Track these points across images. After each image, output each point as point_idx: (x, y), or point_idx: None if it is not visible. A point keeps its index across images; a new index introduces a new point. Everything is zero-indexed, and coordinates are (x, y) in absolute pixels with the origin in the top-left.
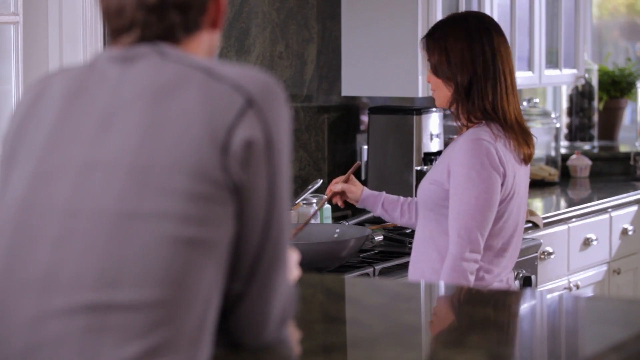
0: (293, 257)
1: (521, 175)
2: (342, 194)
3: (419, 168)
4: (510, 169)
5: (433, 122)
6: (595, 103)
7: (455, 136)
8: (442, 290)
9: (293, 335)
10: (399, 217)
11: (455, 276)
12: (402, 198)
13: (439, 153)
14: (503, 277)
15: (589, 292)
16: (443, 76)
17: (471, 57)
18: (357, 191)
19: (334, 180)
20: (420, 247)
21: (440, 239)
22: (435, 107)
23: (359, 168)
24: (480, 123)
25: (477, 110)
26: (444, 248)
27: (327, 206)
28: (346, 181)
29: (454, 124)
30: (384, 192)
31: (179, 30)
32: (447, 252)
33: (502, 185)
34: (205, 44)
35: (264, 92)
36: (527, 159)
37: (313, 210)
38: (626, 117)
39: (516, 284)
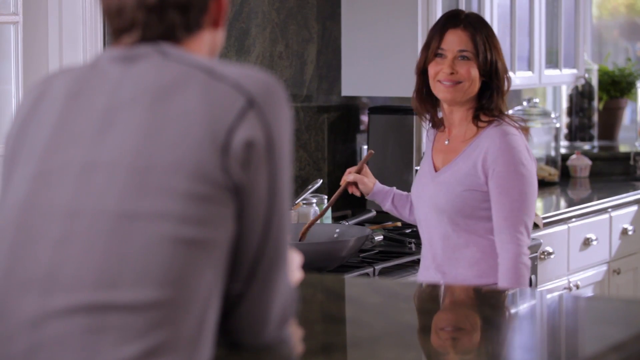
0: (295, 259)
1: None
2: (355, 184)
3: (418, 168)
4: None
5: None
6: (595, 103)
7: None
8: (442, 290)
9: (293, 335)
10: (408, 214)
11: (517, 276)
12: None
13: None
14: None
15: (588, 292)
16: (484, 70)
17: (498, 55)
18: (369, 183)
19: (348, 170)
20: (456, 254)
21: (475, 243)
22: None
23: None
24: (495, 119)
25: (500, 104)
26: (477, 252)
27: None
28: (359, 171)
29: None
30: (394, 188)
31: (180, 30)
32: (482, 255)
33: None
34: (207, 43)
35: (265, 92)
36: None
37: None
38: (626, 117)
39: None
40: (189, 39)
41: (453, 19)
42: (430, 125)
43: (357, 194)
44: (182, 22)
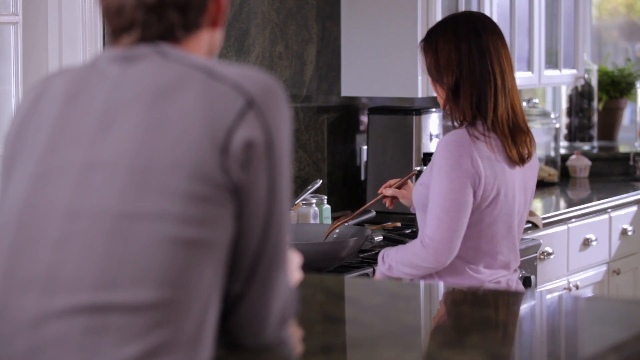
0: (295, 260)
1: (512, 177)
2: (392, 197)
3: (418, 168)
4: (490, 171)
5: (432, 123)
6: (595, 103)
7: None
8: (442, 290)
9: (293, 335)
10: None
11: (396, 272)
12: None
13: None
14: (500, 279)
15: (588, 293)
16: (435, 78)
17: (457, 58)
18: (409, 196)
19: (387, 183)
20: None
21: None
22: (434, 107)
23: (413, 176)
24: (465, 124)
25: (463, 110)
26: None
27: (327, 206)
28: (400, 187)
29: (450, 124)
30: None
31: (179, 30)
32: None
33: (478, 187)
34: (206, 43)
35: (264, 92)
36: (518, 160)
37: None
38: (626, 118)
39: (520, 286)
40: (187, 38)
41: (427, 32)
42: None
43: (390, 206)
44: (181, 21)
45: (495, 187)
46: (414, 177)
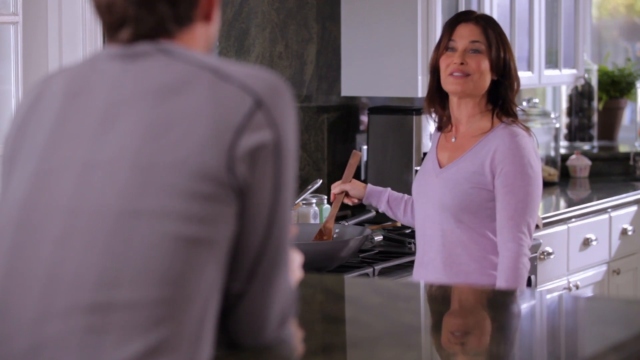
0: (296, 259)
1: None
2: (345, 193)
3: (418, 168)
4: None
5: (432, 122)
6: (595, 103)
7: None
8: (442, 290)
9: (294, 335)
10: (402, 215)
11: (515, 275)
12: (406, 196)
13: None
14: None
15: (588, 292)
16: (496, 66)
17: (510, 54)
18: (359, 188)
19: (333, 185)
20: (457, 251)
21: (477, 241)
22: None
23: (360, 160)
24: (505, 119)
25: (511, 104)
26: (479, 250)
27: (327, 206)
28: (346, 181)
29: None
30: (388, 189)
31: (171, 24)
32: (483, 253)
33: None
34: (201, 38)
35: (272, 93)
36: None
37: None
38: (626, 117)
39: None
40: (181, 32)
41: (464, 15)
42: (437, 127)
43: (354, 202)
44: (172, 14)
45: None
46: (361, 163)
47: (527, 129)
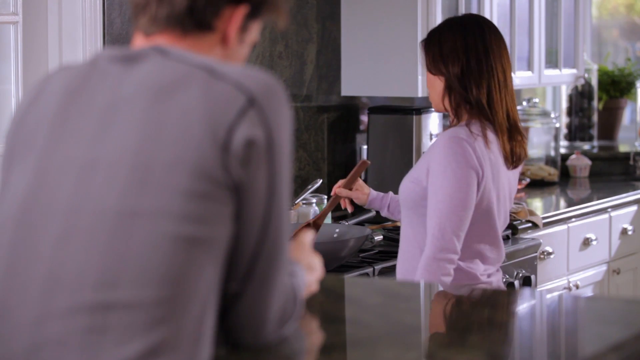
0: (316, 259)
1: (505, 177)
2: (348, 198)
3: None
4: (488, 170)
5: (432, 122)
6: (595, 103)
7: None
8: (442, 290)
9: (296, 334)
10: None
11: (427, 276)
12: None
13: None
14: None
15: (588, 292)
16: (436, 69)
17: (464, 46)
18: (362, 196)
19: (337, 184)
20: (404, 247)
21: (422, 237)
22: None
23: (367, 168)
24: (464, 121)
25: (465, 102)
26: (416, 247)
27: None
28: (349, 186)
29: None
30: (390, 193)
31: (187, 20)
32: (418, 251)
33: (479, 185)
34: (216, 55)
35: (265, 91)
36: (512, 161)
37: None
38: (626, 117)
39: (503, 284)
40: (196, 36)
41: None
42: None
43: (350, 209)
44: (187, 7)
45: (493, 188)
46: (365, 172)
47: (471, 133)
